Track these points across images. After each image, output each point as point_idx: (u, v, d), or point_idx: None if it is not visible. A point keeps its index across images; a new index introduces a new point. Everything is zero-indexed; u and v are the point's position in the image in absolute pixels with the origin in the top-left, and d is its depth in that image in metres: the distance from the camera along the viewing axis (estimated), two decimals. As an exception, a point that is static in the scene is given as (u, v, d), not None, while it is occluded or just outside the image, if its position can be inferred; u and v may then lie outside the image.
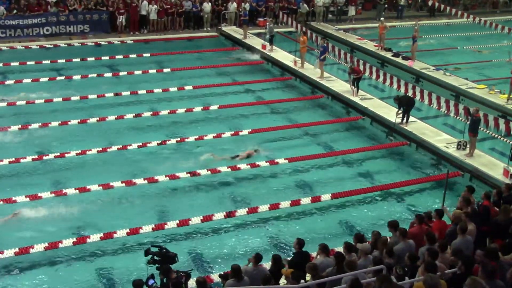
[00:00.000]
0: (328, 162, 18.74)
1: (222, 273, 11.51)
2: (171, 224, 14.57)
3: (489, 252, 9.09)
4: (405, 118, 20.21)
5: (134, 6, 30.74)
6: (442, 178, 16.96)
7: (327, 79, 24.75)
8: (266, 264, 10.93)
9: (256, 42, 29.72)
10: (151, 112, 21.50)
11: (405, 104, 20.15)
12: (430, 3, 36.85)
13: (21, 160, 17.30)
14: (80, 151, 17.97)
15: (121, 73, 25.35)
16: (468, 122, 18.33)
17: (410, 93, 22.69)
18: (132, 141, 18.87)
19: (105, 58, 26.99)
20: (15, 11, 29.13)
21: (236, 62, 28.40)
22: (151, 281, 9.85)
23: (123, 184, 16.20)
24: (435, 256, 9.23)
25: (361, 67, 25.09)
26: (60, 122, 19.96)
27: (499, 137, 20.38)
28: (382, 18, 30.70)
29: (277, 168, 17.95)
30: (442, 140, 19.27)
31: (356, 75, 23.07)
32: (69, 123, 20.04)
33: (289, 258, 11.00)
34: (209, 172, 17.18)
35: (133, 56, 27.54)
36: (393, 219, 11.86)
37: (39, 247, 13.39)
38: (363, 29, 34.41)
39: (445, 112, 21.94)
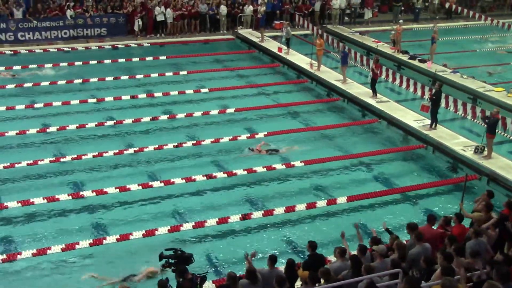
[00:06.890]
0: (344, 165, 18.68)
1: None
2: (187, 226, 14.62)
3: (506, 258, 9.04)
4: (434, 123, 20.10)
5: (150, 9, 30.89)
6: (459, 182, 16.86)
7: (341, 81, 24.68)
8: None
9: (272, 45, 29.72)
10: (168, 115, 21.60)
11: (437, 98, 19.88)
12: (447, 6, 36.58)
13: (39, 162, 17.45)
14: (97, 153, 18.10)
15: (137, 76, 25.48)
16: (486, 125, 18.10)
17: (426, 96, 22.38)
18: (148, 144, 18.97)
19: (122, 60, 27.20)
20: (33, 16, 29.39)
21: (252, 64, 28.48)
22: (167, 285, 9.85)
23: (140, 187, 16.30)
24: (450, 260, 9.15)
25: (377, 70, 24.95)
26: (77, 125, 20.15)
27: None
28: (401, 21, 30.56)
29: (293, 171, 17.94)
30: (459, 143, 19.12)
31: (373, 75, 22.96)
32: (86, 125, 20.20)
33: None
34: (225, 174, 17.22)
35: (149, 58, 27.66)
36: (410, 221, 11.78)
37: (56, 249, 13.52)
38: (380, 31, 34.18)
39: (462, 115, 21.80)
